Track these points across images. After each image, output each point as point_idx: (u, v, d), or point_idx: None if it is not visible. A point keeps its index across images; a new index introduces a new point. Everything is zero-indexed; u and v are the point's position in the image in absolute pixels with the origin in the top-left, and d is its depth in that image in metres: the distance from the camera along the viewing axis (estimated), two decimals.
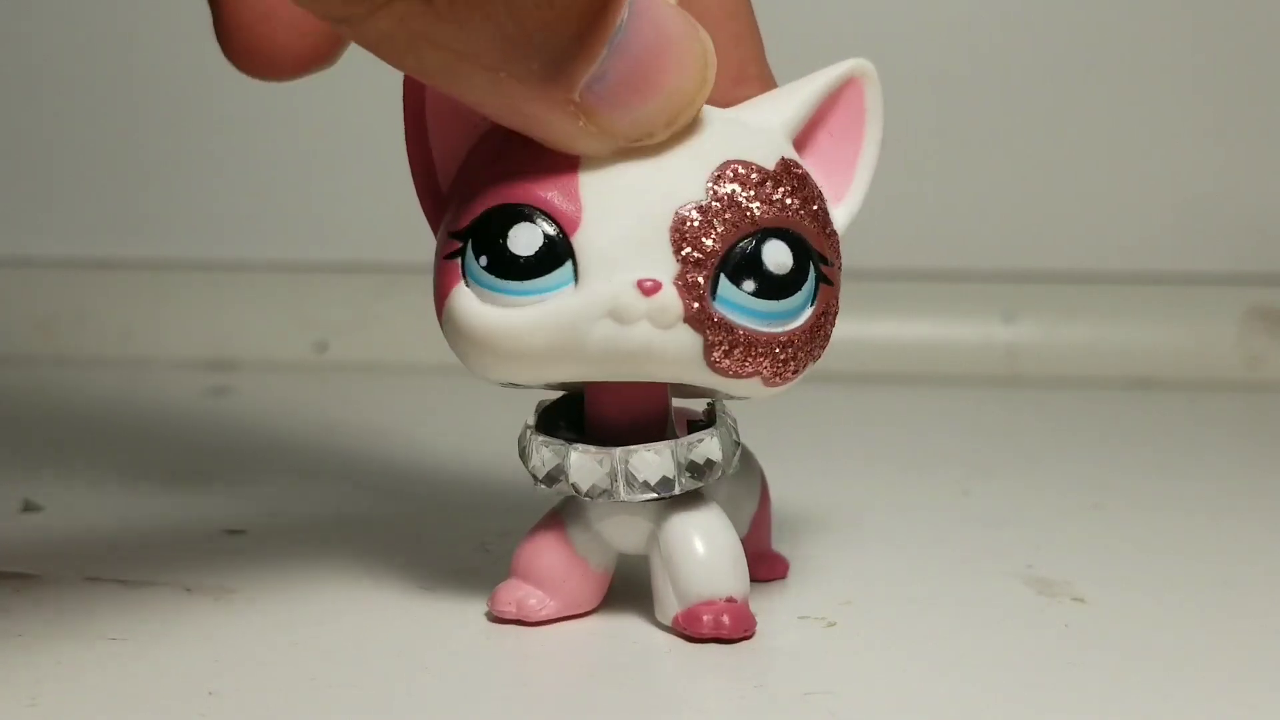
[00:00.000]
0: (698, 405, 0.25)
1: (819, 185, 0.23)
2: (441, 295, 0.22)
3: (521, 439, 0.24)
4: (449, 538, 0.30)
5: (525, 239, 0.21)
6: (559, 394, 0.25)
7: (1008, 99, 0.58)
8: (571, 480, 0.23)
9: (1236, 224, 0.57)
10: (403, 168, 0.23)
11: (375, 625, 0.24)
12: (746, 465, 0.26)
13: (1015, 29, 0.58)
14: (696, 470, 0.23)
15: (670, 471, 0.23)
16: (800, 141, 0.23)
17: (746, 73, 0.24)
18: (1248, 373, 0.55)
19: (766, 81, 0.24)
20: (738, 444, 0.24)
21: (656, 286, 0.21)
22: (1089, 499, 0.35)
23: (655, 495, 0.23)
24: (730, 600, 0.23)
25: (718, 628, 0.23)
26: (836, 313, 0.23)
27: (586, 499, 0.23)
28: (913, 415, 0.49)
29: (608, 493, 0.23)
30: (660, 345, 0.22)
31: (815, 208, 0.22)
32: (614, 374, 0.22)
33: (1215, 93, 0.57)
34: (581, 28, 0.20)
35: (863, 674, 0.22)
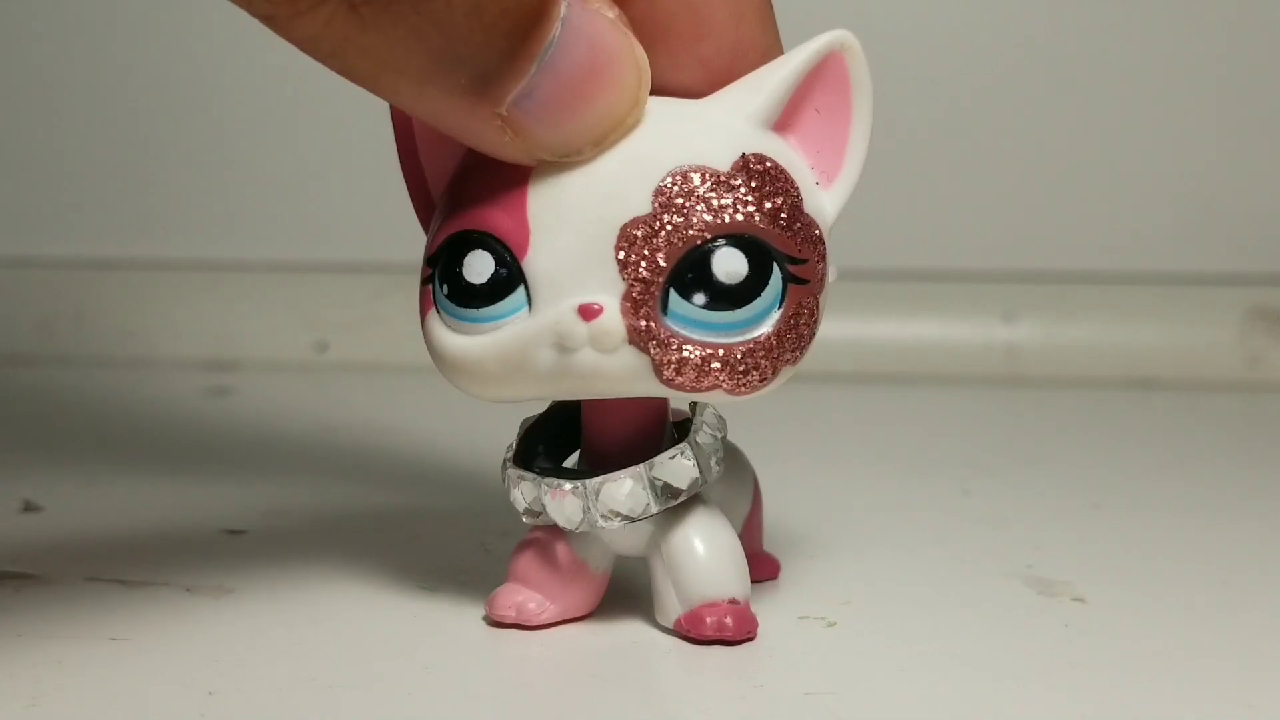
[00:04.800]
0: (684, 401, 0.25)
1: (806, 170, 0.22)
2: (421, 320, 0.23)
3: (503, 467, 0.24)
4: (449, 538, 0.30)
5: (478, 266, 0.21)
6: (548, 405, 0.25)
7: (1008, 99, 0.58)
8: (550, 514, 0.23)
9: (1236, 224, 0.57)
10: None
11: (375, 625, 0.24)
12: (739, 467, 0.26)
13: (1016, 29, 0.58)
14: (671, 490, 0.23)
15: (641, 499, 0.23)
16: (788, 121, 0.22)
17: (744, 52, 0.23)
18: (1248, 373, 0.55)
19: (771, 43, 0.23)
20: (719, 447, 0.24)
21: (597, 310, 0.21)
22: (1089, 499, 0.35)
23: (633, 520, 0.23)
24: (733, 602, 0.23)
25: (721, 629, 0.23)
26: (815, 310, 0.22)
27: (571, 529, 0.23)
28: (913, 415, 0.49)
29: (584, 522, 0.23)
30: (607, 368, 0.21)
31: (778, 204, 0.21)
32: (578, 394, 0.22)
33: (1215, 93, 0.57)
34: (511, 43, 0.19)
35: (863, 674, 0.22)
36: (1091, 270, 0.57)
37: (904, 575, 0.28)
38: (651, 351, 0.21)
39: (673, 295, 0.21)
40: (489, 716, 0.21)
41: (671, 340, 0.21)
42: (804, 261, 0.22)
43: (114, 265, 0.60)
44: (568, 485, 0.23)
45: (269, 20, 0.19)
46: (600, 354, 0.21)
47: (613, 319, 0.21)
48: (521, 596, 0.24)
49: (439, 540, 0.30)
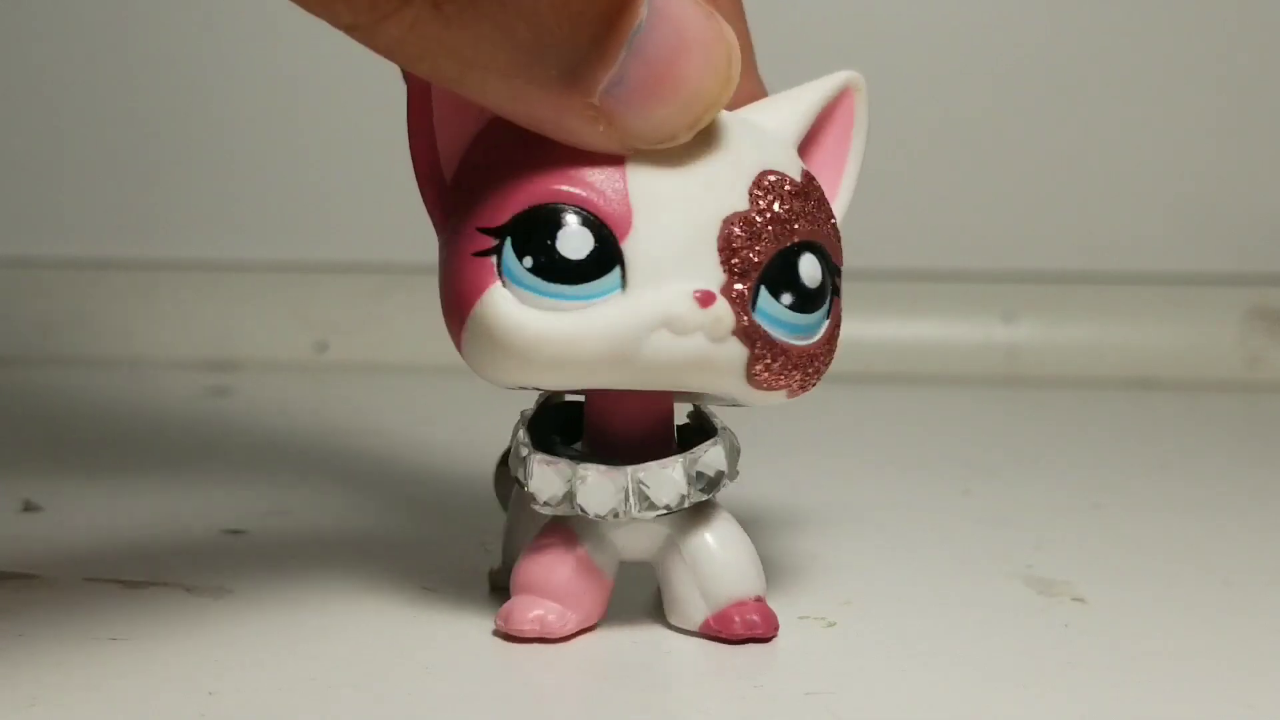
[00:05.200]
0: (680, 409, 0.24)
1: None
2: (469, 295, 0.21)
3: (515, 455, 0.23)
4: (449, 538, 0.30)
5: (576, 241, 0.21)
6: (544, 398, 0.25)
7: (1008, 99, 0.58)
8: (580, 502, 0.22)
9: (1236, 224, 0.57)
10: (403, 168, 0.23)
11: (375, 625, 0.24)
12: None
13: (1015, 29, 0.58)
14: (706, 482, 0.23)
15: (684, 487, 0.22)
16: (801, 147, 0.23)
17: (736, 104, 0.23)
18: (1248, 373, 0.55)
19: (755, 84, 0.24)
20: (738, 450, 0.24)
21: (712, 298, 0.21)
22: (1089, 499, 0.35)
23: (667, 512, 0.22)
24: (758, 600, 0.23)
25: (750, 627, 0.23)
26: (840, 320, 0.23)
27: (595, 518, 0.22)
28: (913, 415, 0.50)
29: (617, 512, 0.22)
30: (712, 357, 0.21)
31: (833, 220, 0.23)
32: (655, 383, 0.22)
33: (1215, 92, 0.57)
34: (598, 31, 0.19)
35: (863, 674, 0.22)
36: (1091, 270, 0.57)
37: (904, 575, 0.28)
38: (755, 346, 0.21)
39: (762, 293, 0.21)
40: (489, 716, 0.21)
41: (767, 336, 0.22)
42: (840, 274, 0.23)
43: (114, 265, 0.60)
44: (605, 468, 0.22)
45: (352, 30, 0.19)
46: (710, 342, 0.21)
47: (724, 307, 0.21)
48: (541, 609, 0.23)
49: (439, 540, 0.30)
